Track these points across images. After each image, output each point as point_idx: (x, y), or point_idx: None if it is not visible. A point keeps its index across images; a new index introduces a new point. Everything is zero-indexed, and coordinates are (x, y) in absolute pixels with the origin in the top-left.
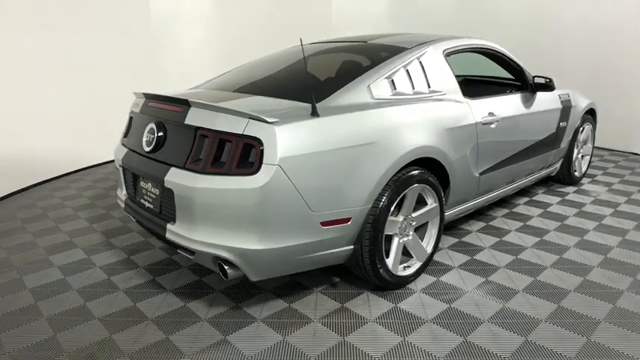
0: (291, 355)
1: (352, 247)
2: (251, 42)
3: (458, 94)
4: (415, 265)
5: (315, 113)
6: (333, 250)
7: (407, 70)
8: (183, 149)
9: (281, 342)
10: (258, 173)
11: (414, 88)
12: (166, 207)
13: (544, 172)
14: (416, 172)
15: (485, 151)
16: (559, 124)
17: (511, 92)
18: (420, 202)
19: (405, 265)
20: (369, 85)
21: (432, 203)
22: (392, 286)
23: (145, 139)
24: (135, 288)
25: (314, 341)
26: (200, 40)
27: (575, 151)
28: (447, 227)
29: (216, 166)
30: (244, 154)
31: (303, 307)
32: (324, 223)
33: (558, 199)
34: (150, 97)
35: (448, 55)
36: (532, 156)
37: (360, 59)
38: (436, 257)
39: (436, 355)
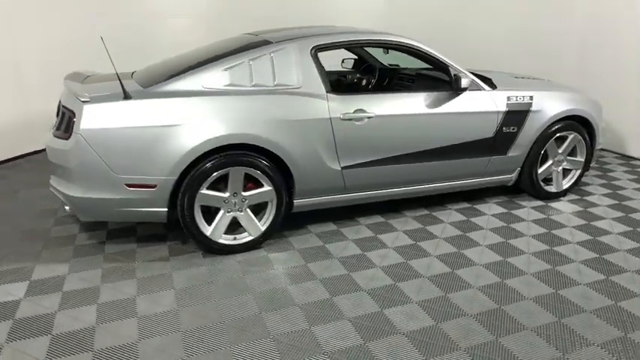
0: (88, 279)
1: (165, 209)
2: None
3: (318, 89)
4: (245, 239)
5: (127, 97)
6: (145, 209)
7: (250, 64)
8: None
9: (94, 275)
10: (69, 139)
11: (252, 80)
12: None
13: (490, 180)
14: (231, 155)
15: (349, 146)
16: (501, 128)
17: (436, 90)
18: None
19: (235, 235)
20: (201, 76)
21: (266, 186)
22: (213, 250)
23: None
24: (69, 221)
25: (116, 277)
26: None
27: (549, 162)
28: (341, 218)
29: (60, 131)
30: (69, 124)
31: (143, 252)
32: (129, 185)
33: (501, 211)
34: None
35: (319, 50)
36: (452, 158)
37: (227, 50)
38: (294, 239)
39: (175, 310)
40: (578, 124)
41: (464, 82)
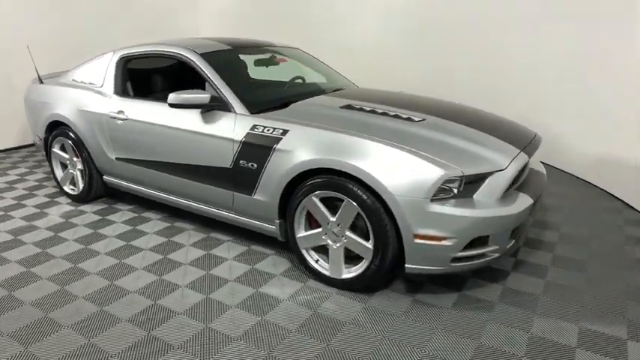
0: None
1: (44, 154)
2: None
3: (109, 90)
4: (76, 193)
5: (41, 82)
6: (42, 152)
7: (85, 67)
8: None
9: None
10: None
11: (80, 78)
12: None
13: (252, 223)
14: (60, 129)
15: (115, 141)
16: (237, 161)
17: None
18: None
19: (71, 187)
20: (69, 72)
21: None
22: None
23: None
24: None
25: None
26: None
27: (314, 230)
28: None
29: None
30: None
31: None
32: (38, 136)
33: (151, 281)
34: None
35: (124, 59)
36: (192, 179)
37: None
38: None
39: None
40: (362, 188)
41: (169, 97)
